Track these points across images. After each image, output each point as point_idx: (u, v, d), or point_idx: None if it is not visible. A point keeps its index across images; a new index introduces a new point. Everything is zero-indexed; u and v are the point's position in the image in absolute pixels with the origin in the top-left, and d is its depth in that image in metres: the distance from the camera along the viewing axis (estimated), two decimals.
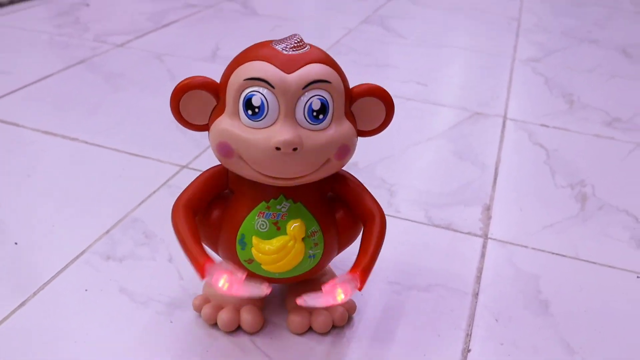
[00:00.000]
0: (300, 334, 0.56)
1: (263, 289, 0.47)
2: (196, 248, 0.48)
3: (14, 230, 0.67)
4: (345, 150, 0.48)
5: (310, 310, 0.56)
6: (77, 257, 0.63)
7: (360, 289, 0.49)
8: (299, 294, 0.56)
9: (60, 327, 0.55)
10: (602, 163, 0.91)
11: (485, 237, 0.71)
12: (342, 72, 0.48)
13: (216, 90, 0.47)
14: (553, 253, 0.69)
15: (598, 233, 0.74)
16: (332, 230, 0.53)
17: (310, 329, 0.56)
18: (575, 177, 0.86)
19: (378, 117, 0.50)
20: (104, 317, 0.56)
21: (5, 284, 0.59)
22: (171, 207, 0.51)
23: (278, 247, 0.49)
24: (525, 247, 0.70)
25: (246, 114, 0.45)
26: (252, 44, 0.49)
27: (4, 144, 0.85)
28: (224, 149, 0.47)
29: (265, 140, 0.44)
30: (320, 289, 0.57)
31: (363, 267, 0.50)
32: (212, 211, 0.52)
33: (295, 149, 0.44)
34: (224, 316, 0.55)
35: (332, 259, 0.56)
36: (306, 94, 0.45)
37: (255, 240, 0.50)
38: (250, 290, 0.47)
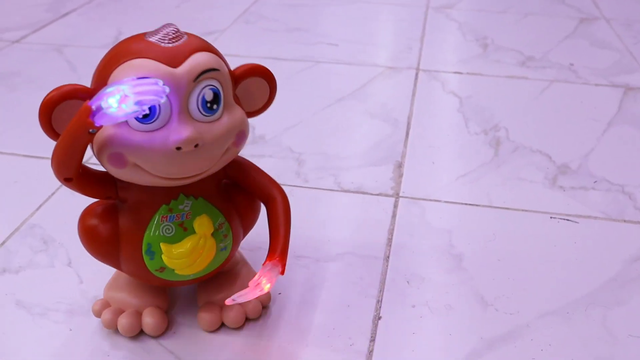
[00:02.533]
0: (213, 331, 0.53)
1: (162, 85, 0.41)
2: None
3: None
4: (242, 136, 0.46)
5: (221, 305, 0.53)
6: None
7: (282, 273, 0.47)
8: (210, 289, 0.55)
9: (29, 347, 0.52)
10: (516, 104, 0.90)
11: (396, 196, 0.69)
12: (223, 56, 0.46)
13: (91, 97, 0.42)
14: (466, 204, 0.68)
15: (512, 177, 0.73)
16: (236, 217, 0.51)
17: (223, 325, 0.53)
18: (489, 123, 0.85)
19: (262, 96, 0.49)
20: (1, 336, 0.53)
21: None
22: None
23: (189, 248, 0.46)
24: (438, 201, 0.68)
25: (137, 118, 0.41)
26: (123, 39, 0.45)
27: None
28: (116, 160, 0.42)
29: (163, 142, 0.41)
30: (232, 278, 0.56)
31: (280, 251, 0.48)
32: (104, 227, 0.48)
33: (196, 146, 0.42)
34: (124, 321, 0.51)
35: (239, 246, 0.54)
36: (198, 85, 0.42)
37: (164, 246, 0.47)
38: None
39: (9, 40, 1.19)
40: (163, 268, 0.48)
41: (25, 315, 0.55)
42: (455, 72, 1.00)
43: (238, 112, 0.46)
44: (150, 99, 0.39)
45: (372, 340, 0.51)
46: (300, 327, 0.53)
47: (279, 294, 0.56)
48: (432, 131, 0.83)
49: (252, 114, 0.49)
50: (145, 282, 0.52)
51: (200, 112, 0.43)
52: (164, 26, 0.44)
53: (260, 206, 0.53)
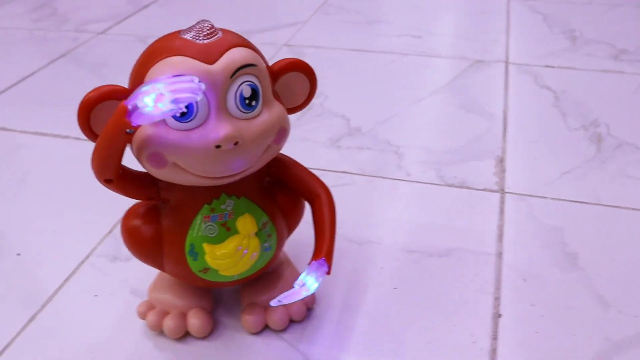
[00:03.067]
0: (256, 334, 0.53)
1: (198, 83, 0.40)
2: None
3: (15, 241, 0.64)
4: (283, 133, 0.44)
5: (265, 307, 0.53)
6: (83, 261, 0.61)
7: (329, 273, 0.46)
8: (253, 290, 0.54)
9: (75, 338, 0.53)
10: (614, 99, 0.88)
11: (501, 191, 0.68)
12: (261, 52, 0.45)
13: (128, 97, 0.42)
14: (574, 201, 0.67)
15: (618, 174, 0.71)
16: (279, 216, 0.50)
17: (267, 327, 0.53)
18: (587, 118, 0.83)
19: (302, 92, 0.47)
20: (119, 323, 0.54)
21: (13, 299, 0.57)
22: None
23: (233, 248, 0.45)
24: (544, 197, 0.67)
25: (174, 117, 0.40)
26: (160, 37, 0.44)
27: None
28: (156, 160, 0.41)
29: (202, 141, 0.40)
30: (276, 279, 0.54)
31: (326, 251, 0.46)
32: (146, 228, 0.48)
33: (236, 143, 0.40)
34: (170, 323, 0.51)
35: (283, 246, 0.52)
36: (235, 82, 0.41)
37: (207, 247, 0.46)
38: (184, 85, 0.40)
39: (95, 31, 1.22)
40: (207, 269, 0.47)
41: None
42: (546, 66, 0.98)
43: (278, 109, 0.44)
44: (187, 96, 0.37)
45: (495, 338, 0.51)
46: (417, 323, 0.53)
47: (395, 288, 0.56)
48: (529, 126, 0.81)
49: (293, 110, 0.47)
50: (189, 283, 0.51)
51: (239, 109, 0.41)
52: (199, 22, 0.43)
53: (304, 204, 0.52)
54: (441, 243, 0.61)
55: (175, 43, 0.41)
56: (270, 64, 0.45)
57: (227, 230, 0.46)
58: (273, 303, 0.46)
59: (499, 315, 0.53)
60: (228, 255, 0.45)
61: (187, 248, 0.46)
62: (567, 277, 0.57)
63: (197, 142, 0.40)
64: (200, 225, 0.46)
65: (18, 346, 0.52)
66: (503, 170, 0.72)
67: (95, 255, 0.61)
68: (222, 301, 0.56)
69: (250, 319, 0.52)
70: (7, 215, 0.69)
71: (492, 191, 0.68)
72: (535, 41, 1.08)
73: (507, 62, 1.00)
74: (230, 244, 0.45)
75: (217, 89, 0.40)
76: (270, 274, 0.55)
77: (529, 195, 0.67)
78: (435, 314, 0.53)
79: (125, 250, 0.57)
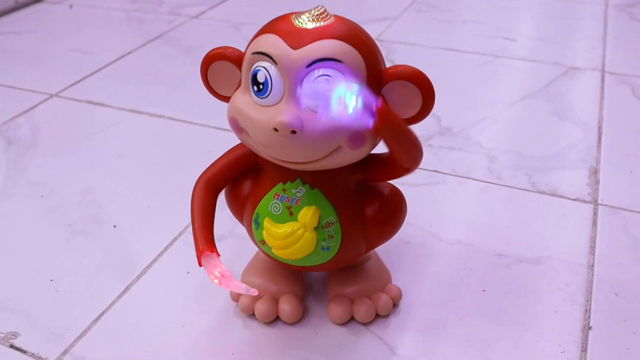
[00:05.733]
0: (342, 325, 0.53)
1: (251, 291, 0.44)
2: (201, 233, 0.46)
3: (112, 213, 0.67)
4: (359, 139, 0.41)
5: (352, 299, 0.53)
6: (176, 238, 0.63)
7: (372, 128, 0.40)
8: (340, 281, 0.54)
9: (166, 311, 0.55)
10: None
11: (595, 203, 0.67)
12: (371, 50, 0.42)
13: (239, 61, 0.44)
14: None
15: None
16: (356, 224, 0.48)
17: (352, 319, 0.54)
18: None
19: (412, 105, 0.42)
20: (209, 300, 0.56)
21: (109, 268, 0.60)
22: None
23: (286, 233, 0.46)
24: None
25: (253, 90, 0.42)
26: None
27: (93, 125, 0.85)
28: (234, 125, 0.44)
29: (265, 120, 0.41)
30: (364, 273, 0.54)
31: (393, 115, 0.42)
32: (242, 184, 0.50)
33: (294, 132, 0.40)
34: (261, 307, 0.52)
35: (359, 255, 0.51)
36: (312, 72, 0.40)
37: (266, 222, 0.47)
38: (238, 288, 0.44)
39: (189, 15, 1.26)
40: (263, 242, 0.48)
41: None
42: None
43: None
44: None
45: (584, 350, 0.50)
46: (504, 327, 0.52)
47: (483, 291, 0.56)
48: (626, 138, 0.79)
49: (405, 120, 0.44)
50: (258, 247, 0.51)
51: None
52: (315, 7, 0.42)
53: (397, 224, 0.50)
54: (531, 250, 0.60)
55: (279, 22, 0.42)
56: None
57: (290, 214, 0.46)
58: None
59: (589, 328, 0.52)
60: (279, 237, 0.46)
61: (254, 215, 0.48)
62: None
63: (262, 119, 0.41)
64: (269, 200, 0.47)
65: (113, 314, 0.55)
66: (597, 182, 0.70)
67: (188, 233, 0.63)
68: (312, 288, 0.57)
69: (337, 310, 0.52)
70: (104, 189, 0.72)
71: (585, 202, 0.67)
72: (634, 50, 1.05)
73: (603, 71, 0.97)
74: (283, 228, 0.46)
75: (292, 74, 0.40)
76: (357, 267, 0.55)
77: (624, 209, 0.66)
78: (523, 320, 0.53)
79: (218, 230, 0.58)
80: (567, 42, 1.09)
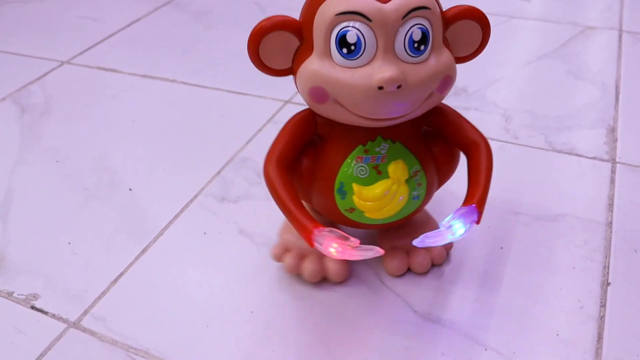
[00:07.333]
0: (398, 276, 0.53)
1: (377, 251, 0.43)
2: (301, 212, 0.44)
3: (127, 177, 0.67)
4: (448, 81, 0.43)
5: (407, 250, 0.53)
6: (192, 200, 0.63)
7: (478, 222, 0.45)
8: (393, 234, 0.54)
9: (184, 272, 0.55)
10: None
11: (613, 161, 0.66)
12: None
13: (299, 30, 0.43)
14: None
15: None
16: (432, 167, 0.49)
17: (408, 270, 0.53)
18: None
19: (474, 41, 0.45)
20: (226, 260, 0.56)
21: (126, 231, 0.60)
22: (262, 164, 0.47)
23: (381, 192, 0.45)
24: None
25: (340, 53, 0.40)
26: None
27: (106, 90, 0.85)
28: (317, 94, 0.42)
29: (365, 80, 0.40)
30: (416, 225, 0.54)
31: (478, 199, 0.45)
32: (301, 161, 0.48)
33: (399, 87, 0.40)
34: (309, 266, 0.52)
35: (432, 197, 0.52)
36: (406, 23, 0.40)
37: (356, 187, 0.46)
38: (363, 254, 0.42)
39: None
40: (353, 209, 0.47)
41: (249, 244, 0.57)
42: None
43: (446, 56, 0.43)
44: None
45: (603, 305, 0.50)
46: (523, 283, 0.52)
47: (501, 248, 0.55)
48: None
49: (460, 59, 0.46)
50: (333, 219, 0.51)
51: (407, 52, 0.41)
52: None
53: (459, 158, 0.51)
54: (549, 208, 0.60)
55: None
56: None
57: (378, 173, 0.46)
58: (416, 242, 0.45)
59: (608, 284, 0.52)
60: (375, 198, 0.46)
61: (336, 186, 0.47)
62: None
63: (360, 81, 0.40)
64: (352, 165, 0.46)
65: (131, 275, 0.55)
66: (615, 140, 0.69)
67: (203, 195, 0.63)
68: None
69: (393, 262, 0.52)
70: (119, 153, 0.71)
71: (603, 160, 0.66)
72: None
73: (620, 30, 0.95)
74: (378, 188, 0.45)
75: (387, 29, 0.40)
76: (410, 222, 0.54)
77: None
78: (541, 276, 0.53)
79: (233, 192, 0.58)
80: (584, 2, 1.06)
